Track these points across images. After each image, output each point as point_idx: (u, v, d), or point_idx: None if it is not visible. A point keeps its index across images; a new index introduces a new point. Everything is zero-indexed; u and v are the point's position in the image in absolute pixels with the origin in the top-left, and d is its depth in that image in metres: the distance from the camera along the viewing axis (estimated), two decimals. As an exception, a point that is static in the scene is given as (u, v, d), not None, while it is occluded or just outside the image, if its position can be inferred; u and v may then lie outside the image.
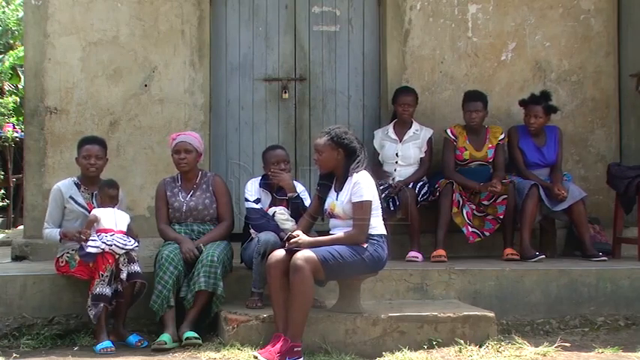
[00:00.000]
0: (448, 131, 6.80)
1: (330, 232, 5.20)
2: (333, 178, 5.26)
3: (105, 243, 5.27)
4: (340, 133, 5.13)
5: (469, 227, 6.54)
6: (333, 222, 5.22)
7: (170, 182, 5.89)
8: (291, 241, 5.02)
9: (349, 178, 5.09)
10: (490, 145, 6.76)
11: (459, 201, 6.53)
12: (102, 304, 5.20)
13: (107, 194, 5.53)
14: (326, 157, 5.19)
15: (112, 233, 5.35)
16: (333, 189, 5.23)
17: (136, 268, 5.36)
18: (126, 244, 5.34)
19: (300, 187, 5.78)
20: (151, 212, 6.44)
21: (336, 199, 5.15)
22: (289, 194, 5.62)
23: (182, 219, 5.77)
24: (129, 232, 5.48)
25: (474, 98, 6.72)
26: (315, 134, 7.11)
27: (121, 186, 5.72)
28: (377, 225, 5.11)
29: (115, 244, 5.29)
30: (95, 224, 5.40)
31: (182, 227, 5.74)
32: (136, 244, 5.43)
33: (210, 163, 6.98)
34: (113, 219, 5.44)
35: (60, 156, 6.75)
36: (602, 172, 7.08)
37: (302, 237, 5.04)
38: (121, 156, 6.79)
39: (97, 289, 5.20)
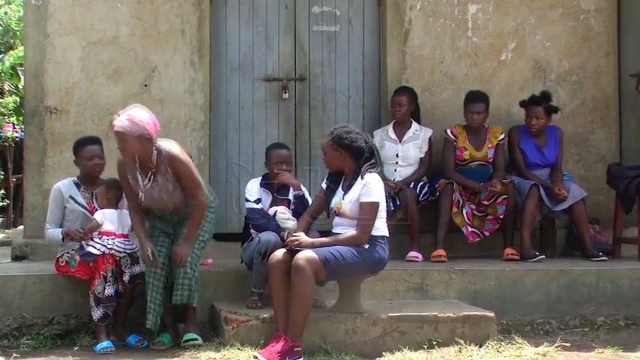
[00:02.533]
0: (448, 131, 6.80)
1: (333, 231, 5.21)
2: (340, 179, 5.25)
3: (105, 246, 5.27)
4: (341, 134, 5.12)
5: (469, 227, 6.54)
6: (337, 220, 5.22)
7: (131, 164, 5.28)
8: (292, 239, 5.02)
9: (359, 178, 5.09)
10: (490, 145, 6.76)
11: (459, 201, 6.53)
12: (113, 305, 5.22)
13: (115, 195, 5.50)
14: (330, 158, 5.20)
15: (114, 237, 5.34)
16: (340, 188, 5.22)
17: (138, 269, 5.36)
18: (126, 249, 5.34)
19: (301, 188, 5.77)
20: (151, 212, 6.43)
21: (343, 198, 5.14)
22: (295, 192, 5.62)
23: (150, 211, 5.35)
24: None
25: (476, 99, 6.71)
26: (315, 134, 7.15)
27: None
28: (380, 227, 5.11)
29: (114, 249, 5.29)
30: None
31: (157, 221, 5.43)
32: (137, 247, 5.41)
33: (210, 163, 6.99)
34: (117, 221, 5.41)
35: (60, 156, 6.75)
36: (602, 172, 7.08)
37: (303, 237, 5.05)
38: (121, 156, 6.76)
39: (106, 291, 5.20)
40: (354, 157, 5.12)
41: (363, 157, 5.11)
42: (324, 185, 5.33)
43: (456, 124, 6.87)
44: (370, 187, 5.03)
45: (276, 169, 5.66)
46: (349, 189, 5.13)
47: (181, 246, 5.27)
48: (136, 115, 5.17)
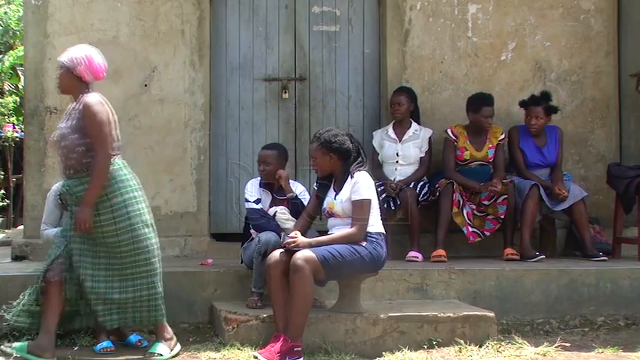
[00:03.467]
0: (448, 131, 6.80)
1: (329, 232, 5.21)
2: (332, 178, 5.27)
3: None
4: (329, 138, 5.14)
5: (469, 227, 6.54)
6: (331, 221, 5.23)
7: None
8: (289, 240, 5.02)
9: (349, 178, 5.11)
10: (490, 145, 6.76)
11: (459, 201, 6.53)
12: None
13: None
14: (320, 163, 5.22)
15: None
16: (332, 188, 5.24)
17: None
18: None
19: (300, 188, 5.78)
20: (151, 212, 6.43)
21: (335, 199, 5.17)
22: (288, 195, 5.63)
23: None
24: None
25: (489, 103, 6.68)
26: (315, 134, 7.14)
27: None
28: (375, 223, 5.12)
29: None
30: None
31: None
32: None
33: (210, 163, 6.99)
34: None
35: (60, 156, 6.74)
36: (602, 172, 7.08)
37: (300, 238, 5.05)
38: (120, 156, 6.75)
39: None
40: (343, 159, 5.15)
41: (351, 157, 5.14)
42: (315, 186, 5.36)
43: (456, 124, 6.87)
44: (360, 185, 5.06)
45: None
46: (340, 189, 5.16)
47: (78, 211, 4.83)
48: (75, 52, 4.97)
